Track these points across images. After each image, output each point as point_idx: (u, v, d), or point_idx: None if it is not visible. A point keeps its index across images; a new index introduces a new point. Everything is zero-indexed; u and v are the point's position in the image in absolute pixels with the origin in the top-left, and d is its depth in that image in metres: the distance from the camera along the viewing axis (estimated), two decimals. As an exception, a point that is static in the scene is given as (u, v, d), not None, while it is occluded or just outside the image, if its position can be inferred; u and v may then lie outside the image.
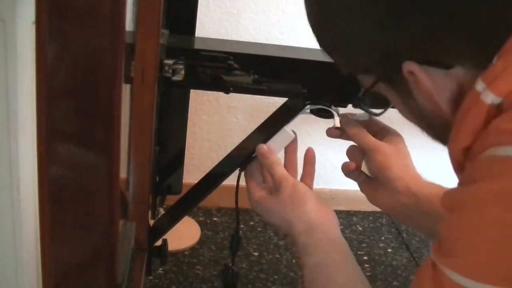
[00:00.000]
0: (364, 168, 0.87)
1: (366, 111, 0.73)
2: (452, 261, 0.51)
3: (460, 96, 0.58)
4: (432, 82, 0.57)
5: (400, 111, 0.67)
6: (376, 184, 0.82)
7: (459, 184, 0.57)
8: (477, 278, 0.49)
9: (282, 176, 0.82)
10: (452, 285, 0.50)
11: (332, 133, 0.86)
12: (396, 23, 0.57)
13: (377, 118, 0.81)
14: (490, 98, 0.52)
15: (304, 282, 0.75)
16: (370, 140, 0.81)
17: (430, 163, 1.49)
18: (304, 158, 0.87)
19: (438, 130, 0.65)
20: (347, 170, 0.85)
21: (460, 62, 0.56)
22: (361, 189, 0.86)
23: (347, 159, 0.88)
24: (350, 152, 0.85)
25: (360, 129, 0.82)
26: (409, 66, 0.58)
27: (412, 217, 0.81)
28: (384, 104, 0.73)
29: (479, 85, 0.53)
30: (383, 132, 0.83)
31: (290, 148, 0.88)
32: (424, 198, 0.79)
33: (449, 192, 0.56)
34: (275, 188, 0.83)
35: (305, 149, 0.91)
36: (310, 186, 0.85)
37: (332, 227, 0.78)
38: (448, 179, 0.70)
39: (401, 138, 0.83)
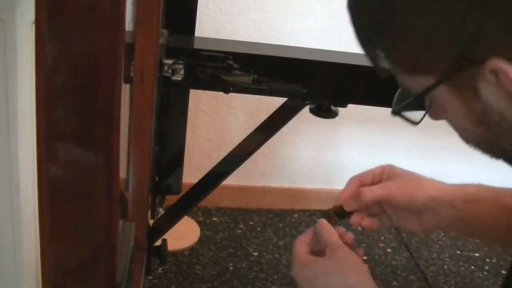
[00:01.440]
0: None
1: (406, 119, 0.67)
2: None
3: None
4: None
5: (452, 118, 0.62)
6: (409, 214, 0.80)
7: None
8: None
9: (336, 243, 0.75)
10: None
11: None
12: (494, 10, 0.50)
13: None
14: None
15: None
16: (377, 188, 0.79)
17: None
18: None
19: (497, 138, 0.60)
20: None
21: None
22: (394, 224, 0.82)
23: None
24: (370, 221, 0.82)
25: (362, 189, 0.79)
26: (496, 63, 0.51)
27: (458, 227, 0.80)
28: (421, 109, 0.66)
29: None
30: (377, 176, 0.82)
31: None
32: (462, 205, 0.78)
33: None
34: (328, 251, 0.76)
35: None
36: None
37: None
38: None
39: (392, 165, 0.81)
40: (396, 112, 0.65)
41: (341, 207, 0.79)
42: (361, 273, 0.73)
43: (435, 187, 0.78)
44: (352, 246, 0.77)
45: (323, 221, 0.78)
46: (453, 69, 0.55)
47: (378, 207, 0.81)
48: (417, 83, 0.59)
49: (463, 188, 0.79)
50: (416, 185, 0.78)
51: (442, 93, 0.58)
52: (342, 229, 0.78)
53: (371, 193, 0.77)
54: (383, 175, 0.79)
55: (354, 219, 0.80)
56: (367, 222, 0.80)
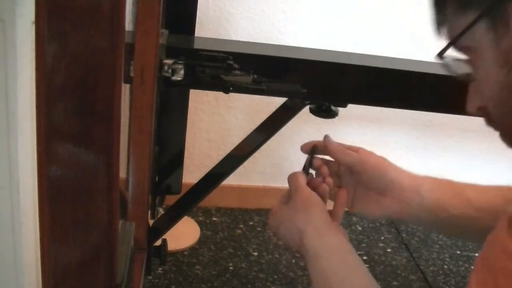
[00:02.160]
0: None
1: (447, 67, 0.67)
2: None
3: None
4: None
5: (481, 65, 0.63)
6: (373, 194, 0.82)
7: None
8: None
9: (300, 186, 0.78)
10: None
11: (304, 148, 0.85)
12: None
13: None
14: None
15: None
16: (354, 154, 0.81)
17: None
18: (336, 199, 0.82)
19: None
20: (342, 197, 0.82)
21: None
22: (354, 207, 0.84)
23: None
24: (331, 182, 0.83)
25: (341, 145, 0.82)
26: None
27: (418, 215, 0.81)
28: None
29: None
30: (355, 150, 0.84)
31: (340, 200, 0.83)
32: (427, 193, 0.79)
33: None
34: (290, 197, 0.80)
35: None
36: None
37: (343, 235, 0.76)
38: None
39: (373, 153, 0.84)
40: (439, 54, 0.66)
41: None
42: (309, 215, 0.75)
43: (403, 172, 0.80)
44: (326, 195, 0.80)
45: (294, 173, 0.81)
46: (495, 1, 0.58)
47: (347, 176, 0.83)
48: (464, 19, 0.61)
49: (428, 178, 0.81)
50: (387, 164, 0.80)
51: (481, 31, 0.60)
52: (319, 179, 0.82)
53: (346, 151, 0.79)
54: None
55: (318, 161, 0.82)
56: (329, 178, 0.82)
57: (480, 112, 0.66)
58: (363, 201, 0.84)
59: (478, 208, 0.80)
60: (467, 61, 0.64)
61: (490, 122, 0.65)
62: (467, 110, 0.67)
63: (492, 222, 0.56)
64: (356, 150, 0.83)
